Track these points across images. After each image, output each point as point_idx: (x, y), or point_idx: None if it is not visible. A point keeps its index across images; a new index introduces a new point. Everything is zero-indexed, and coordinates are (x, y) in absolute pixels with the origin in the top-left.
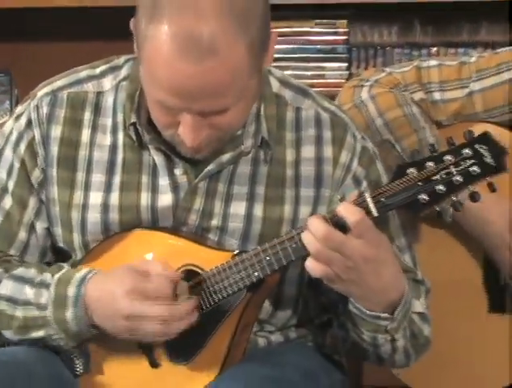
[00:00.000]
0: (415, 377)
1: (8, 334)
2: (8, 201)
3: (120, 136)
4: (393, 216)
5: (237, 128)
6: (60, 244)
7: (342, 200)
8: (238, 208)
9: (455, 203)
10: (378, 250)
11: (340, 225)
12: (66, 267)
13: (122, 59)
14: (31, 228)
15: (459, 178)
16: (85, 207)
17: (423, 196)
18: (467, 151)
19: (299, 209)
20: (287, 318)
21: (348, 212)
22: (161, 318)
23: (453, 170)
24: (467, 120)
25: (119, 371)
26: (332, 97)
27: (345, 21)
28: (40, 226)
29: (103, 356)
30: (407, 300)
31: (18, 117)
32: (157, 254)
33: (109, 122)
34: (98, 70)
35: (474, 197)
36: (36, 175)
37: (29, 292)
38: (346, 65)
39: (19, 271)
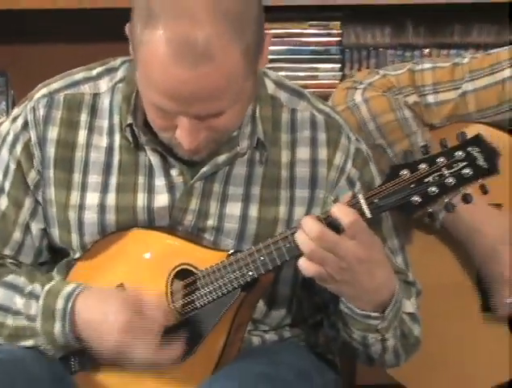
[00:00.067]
0: (408, 376)
1: None
2: (4, 202)
3: (117, 137)
4: (386, 217)
5: (233, 129)
6: (59, 244)
7: (335, 201)
8: (234, 208)
9: (447, 204)
10: (371, 251)
11: (334, 226)
12: (56, 277)
13: (118, 61)
14: (27, 228)
15: (451, 180)
16: (81, 207)
17: (416, 198)
18: (459, 153)
19: (293, 210)
20: (281, 318)
21: (342, 213)
22: (148, 360)
23: (445, 172)
24: (461, 120)
25: (115, 369)
26: (325, 98)
27: (338, 22)
28: (36, 227)
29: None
30: (398, 299)
31: (14, 119)
32: (154, 253)
33: (105, 124)
34: (94, 72)
35: (466, 199)
36: (32, 177)
37: (19, 302)
38: (339, 66)
39: (10, 278)
